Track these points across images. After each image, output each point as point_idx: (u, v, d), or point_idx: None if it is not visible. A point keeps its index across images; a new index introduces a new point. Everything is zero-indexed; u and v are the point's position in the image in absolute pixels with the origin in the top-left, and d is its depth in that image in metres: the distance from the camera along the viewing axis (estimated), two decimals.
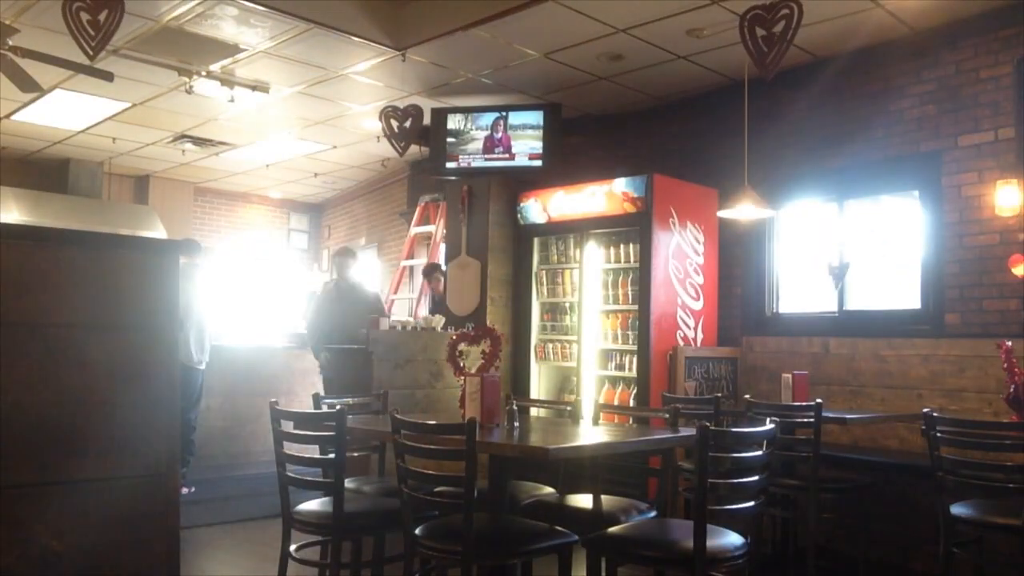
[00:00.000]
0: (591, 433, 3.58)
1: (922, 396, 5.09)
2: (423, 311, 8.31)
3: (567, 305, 6.71)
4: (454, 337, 3.79)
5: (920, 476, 4.18)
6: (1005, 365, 4.05)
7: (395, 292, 8.96)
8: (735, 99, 5.43)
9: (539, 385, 6.81)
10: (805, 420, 4.32)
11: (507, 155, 6.76)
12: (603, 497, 3.61)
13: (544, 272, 6.86)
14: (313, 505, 3.56)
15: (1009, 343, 4.13)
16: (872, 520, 4.63)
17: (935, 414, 3.61)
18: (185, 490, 6.25)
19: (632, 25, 5.34)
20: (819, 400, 4.38)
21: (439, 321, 6.54)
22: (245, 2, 5.15)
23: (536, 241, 6.86)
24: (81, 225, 8.00)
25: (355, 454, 4.28)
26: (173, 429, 1.71)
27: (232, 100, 6.96)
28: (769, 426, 3.00)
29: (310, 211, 12.25)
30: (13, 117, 7.86)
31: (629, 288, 6.16)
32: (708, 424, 2.81)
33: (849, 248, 5.72)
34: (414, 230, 8.81)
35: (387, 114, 6.40)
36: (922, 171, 5.26)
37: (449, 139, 6.89)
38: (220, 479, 5.80)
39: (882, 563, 4.86)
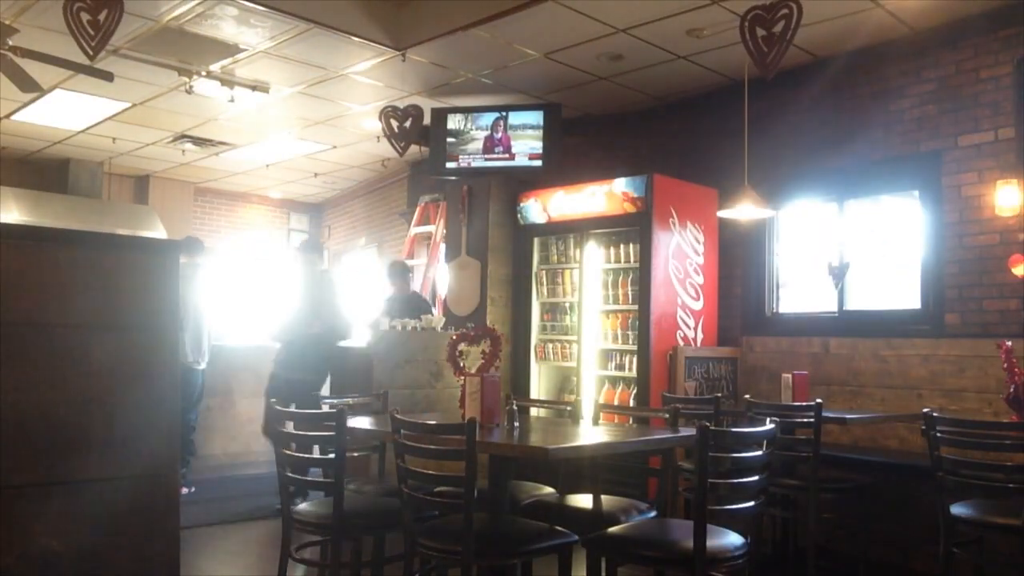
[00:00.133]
0: (591, 433, 3.58)
1: (922, 396, 5.09)
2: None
3: (567, 305, 6.71)
4: (454, 337, 3.79)
5: (920, 476, 4.17)
6: (1005, 365, 4.05)
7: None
8: (735, 99, 5.43)
9: (539, 385, 6.81)
10: (805, 420, 4.33)
11: (507, 155, 6.76)
12: (603, 497, 3.61)
13: (544, 272, 6.86)
14: (313, 505, 3.56)
15: (1009, 343, 4.13)
16: (872, 520, 4.63)
17: (935, 414, 3.61)
18: (185, 490, 6.25)
19: (632, 25, 5.34)
20: (819, 400, 4.38)
21: (439, 321, 6.54)
22: (245, 2, 5.15)
23: (536, 241, 6.86)
24: (81, 225, 7.99)
25: (355, 454, 4.28)
26: (173, 429, 1.72)
27: (232, 100, 6.96)
28: (769, 426, 3.00)
29: (310, 211, 12.25)
30: (13, 117, 7.86)
31: (629, 288, 6.16)
32: (708, 424, 2.81)
33: (849, 248, 5.72)
34: (414, 230, 8.81)
35: (387, 114, 6.40)
36: (922, 171, 5.26)
37: (449, 139, 6.89)
38: (220, 479, 5.80)
39: (882, 563, 4.86)
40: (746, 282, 6.29)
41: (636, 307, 6.03)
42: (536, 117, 6.69)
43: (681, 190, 6.14)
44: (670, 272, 5.99)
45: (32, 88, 5.85)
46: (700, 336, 6.16)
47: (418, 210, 8.77)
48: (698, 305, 6.18)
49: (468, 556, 2.86)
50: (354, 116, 7.61)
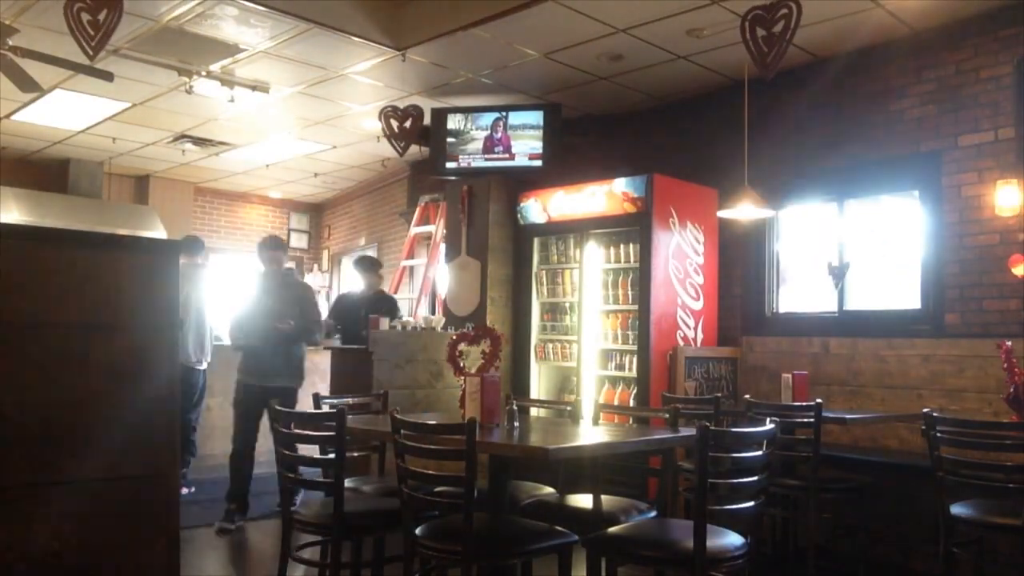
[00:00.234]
0: (591, 433, 3.58)
1: (922, 396, 5.09)
2: (422, 311, 8.32)
3: (567, 305, 6.71)
4: (454, 337, 3.79)
5: (920, 476, 4.17)
6: (1005, 365, 4.05)
7: (395, 292, 8.95)
8: (735, 99, 5.43)
9: (539, 385, 6.81)
10: (805, 420, 4.33)
11: (507, 155, 6.76)
12: (603, 497, 3.61)
13: (544, 272, 6.86)
14: (313, 505, 3.56)
15: (1009, 343, 4.13)
16: (872, 520, 4.63)
17: (935, 414, 3.61)
18: (185, 490, 6.25)
19: (632, 25, 5.34)
20: (819, 400, 4.38)
21: (439, 321, 6.54)
22: (245, 2, 5.15)
23: (536, 241, 6.86)
24: (81, 225, 7.98)
25: (355, 454, 4.28)
26: (173, 429, 1.72)
27: (232, 100, 6.96)
28: (769, 426, 3.00)
29: (310, 211, 12.25)
30: (13, 117, 7.86)
31: (629, 288, 6.16)
32: (708, 424, 2.81)
33: (849, 248, 5.72)
34: (414, 230, 8.81)
35: (387, 114, 6.40)
36: (922, 171, 5.26)
37: (449, 139, 6.89)
38: (220, 479, 5.79)
39: (882, 563, 4.86)
40: (746, 282, 6.29)
41: (636, 307, 6.03)
42: (536, 117, 6.69)
43: (681, 190, 6.14)
44: (670, 272, 5.99)
45: (32, 88, 5.85)
46: (700, 336, 6.16)
47: (418, 210, 8.77)
48: (698, 305, 6.18)
49: (468, 556, 2.86)
50: (354, 116, 7.61)
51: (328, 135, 8.36)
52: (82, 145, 9.02)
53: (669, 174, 6.17)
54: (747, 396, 4.73)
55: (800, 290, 6.12)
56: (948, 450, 3.53)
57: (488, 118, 6.81)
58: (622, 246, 6.26)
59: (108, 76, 5.71)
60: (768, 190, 5.56)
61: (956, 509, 3.52)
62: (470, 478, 2.88)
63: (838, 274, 5.65)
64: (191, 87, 6.70)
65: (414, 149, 6.94)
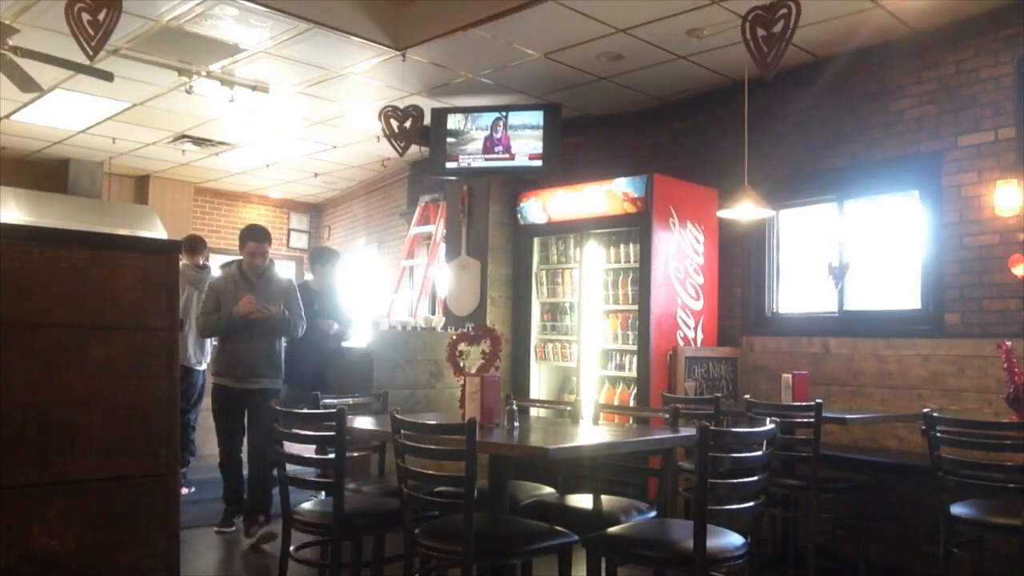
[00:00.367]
0: (591, 433, 3.58)
1: (922, 396, 5.09)
2: (422, 311, 8.32)
3: (567, 305, 6.71)
4: (454, 337, 3.79)
5: (920, 476, 4.17)
6: (1005, 365, 4.06)
7: (395, 292, 8.96)
8: (735, 99, 5.43)
9: (539, 385, 6.81)
10: (805, 420, 4.33)
11: (507, 155, 6.76)
12: (603, 497, 3.61)
13: (544, 272, 6.86)
14: (313, 505, 3.57)
15: (1009, 343, 4.13)
16: (872, 520, 4.64)
17: (935, 414, 3.61)
18: (185, 490, 6.25)
19: (632, 25, 5.34)
20: (819, 400, 4.38)
21: (439, 321, 6.54)
22: (245, 2, 5.15)
23: (536, 241, 6.86)
24: (81, 225, 7.99)
25: (355, 454, 4.28)
26: (173, 429, 1.71)
27: (232, 100, 6.96)
28: (769, 426, 3.00)
29: (310, 211, 12.25)
30: (13, 117, 7.86)
31: (629, 288, 6.16)
32: (708, 424, 2.81)
33: (849, 248, 5.72)
34: (414, 230, 8.81)
35: (387, 114, 6.40)
36: (922, 171, 5.26)
37: (449, 139, 6.89)
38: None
39: (882, 563, 4.86)
40: (746, 282, 6.29)
41: (636, 307, 6.03)
42: (536, 117, 6.69)
43: (681, 190, 6.14)
44: (670, 272, 5.99)
45: (32, 88, 5.85)
46: (700, 336, 6.16)
47: (418, 210, 8.77)
48: (698, 305, 6.18)
49: (468, 556, 2.86)
50: (354, 116, 7.61)
51: (328, 135, 8.36)
52: (82, 145, 9.02)
53: (669, 174, 6.18)
54: (747, 396, 4.73)
55: (800, 290, 6.12)
56: (948, 450, 3.53)
57: (488, 118, 6.81)
58: (622, 246, 6.26)
59: (108, 76, 5.71)
60: (768, 190, 5.56)
61: (956, 509, 3.52)
62: (470, 478, 2.88)
63: (838, 274, 5.65)
64: (191, 87, 6.70)
65: (414, 149, 6.94)
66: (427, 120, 6.69)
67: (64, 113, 7.75)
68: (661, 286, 5.93)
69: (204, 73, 6.52)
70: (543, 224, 6.72)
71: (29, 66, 5.58)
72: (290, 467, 3.54)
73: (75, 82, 6.67)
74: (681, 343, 5.98)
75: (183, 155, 9.35)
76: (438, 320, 6.60)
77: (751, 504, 2.92)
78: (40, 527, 1.54)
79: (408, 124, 6.38)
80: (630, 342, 6.11)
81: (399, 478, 3.08)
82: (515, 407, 3.48)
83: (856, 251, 5.71)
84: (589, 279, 6.45)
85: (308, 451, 3.72)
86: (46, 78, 6.31)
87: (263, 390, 5.22)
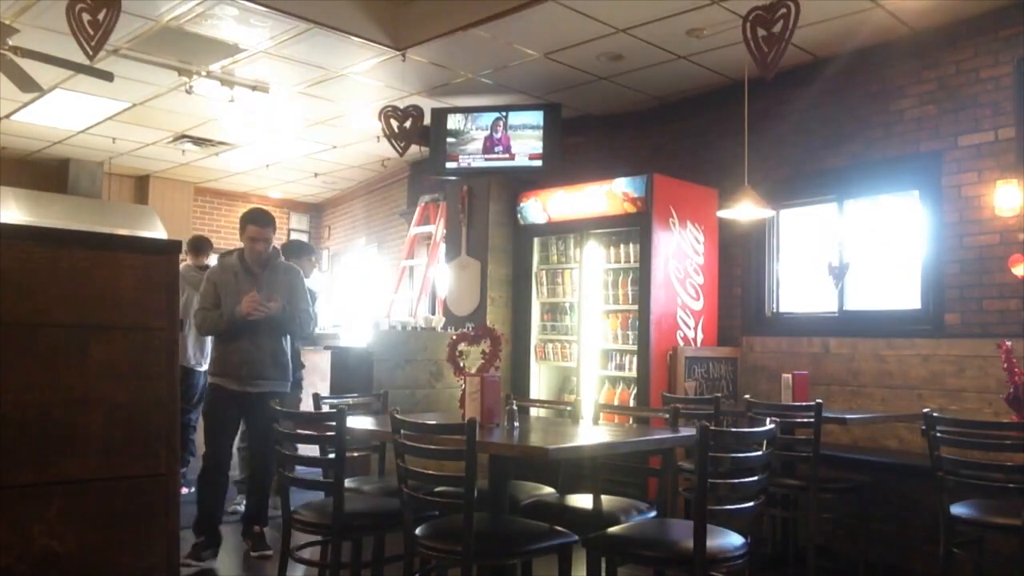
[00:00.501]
0: (591, 433, 3.58)
1: (922, 396, 5.09)
2: (422, 311, 8.32)
3: (567, 305, 6.71)
4: (454, 337, 3.79)
5: (920, 476, 4.17)
6: (1005, 365, 4.06)
7: (395, 292, 8.96)
8: (735, 99, 5.43)
9: (539, 385, 6.81)
10: (805, 420, 4.33)
11: (507, 155, 6.76)
12: (603, 497, 3.61)
13: (544, 272, 6.86)
14: (313, 505, 3.56)
15: (1009, 343, 4.14)
16: (872, 520, 4.64)
17: (935, 414, 3.61)
18: (185, 490, 6.25)
19: (632, 25, 5.34)
20: (819, 400, 4.38)
21: (439, 321, 6.54)
22: (245, 2, 5.15)
23: (536, 241, 6.86)
24: (81, 225, 7.99)
25: (355, 454, 4.28)
26: (173, 429, 1.71)
27: (232, 100, 6.96)
28: (769, 426, 3.00)
29: (310, 211, 12.25)
30: (13, 117, 7.86)
31: (629, 288, 6.16)
32: (708, 424, 2.81)
33: (849, 248, 5.72)
34: (414, 230, 8.81)
35: (387, 114, 6.40)
36: (922, 171, 5.26)
37: (449, 139, 6.89)
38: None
39: (882, 563, 4.86)
40: (746, 282, 6.29)
41: (636, 307, 6.03)
42: (536, 117, 6.69)
43: (681, 190, 6.14)
44: (670, 272, 5.99)
45: (32, 88, 5.85)
46: (700, 336, 6.16)
47: (418, 210, 8.77)
48: (698, 305, 6.18)
49: (468, 556, 2.86)
50: (354, 116, 7.61)
51: (328, 135, 8.36)
52: (82, 145, 9.02)
53: (669, 174, 6.18)
54: (747, 396, 4.73)
55: (800, 290, 6.12)
56: (948, 450, 3.53)
57: (488, 118, 6.81)
58: (622, 246, 6.26)
59: (108, 76, 5.71)
60: (768, 190, 5.56)
61: (956, 509, 3.52)
62: (470, 478, 2.88)
63: (838, 274, 5.65)
64: (191, 87, 6.70)
65: (414, 149, 6.94)
66: (427, 120, 6.69)
67: (64, 113, 7.75)
68: (661, 286, 5.93)
69: (204, 73, 6.52)
70: (543, 224, 6.72)
71: (29, 66, 5.58)
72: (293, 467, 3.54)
73: (75, 82, 6.67)
74: (681, 343, 5.98)
75: (183, 155, 9.35)
76: (438, 320, 6.60)
77: (751, 504, 2.92)
78: (40, 527, 1.54)
79: (408, 124, 6.38)
80: (630, 342, 6.11)
81: (399, 478, 3.08)
82: (515, 407, 3.48)
83: (856, 251, 5.71)
84: (589, 279, 6.45)
85: (311, 451, 3.72)
86: (46, 78, 6.31)
87: (267, 393, 4.69)
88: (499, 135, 6.77)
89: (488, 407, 3.40)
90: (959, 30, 5.12)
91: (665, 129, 6.92)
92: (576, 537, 3.11)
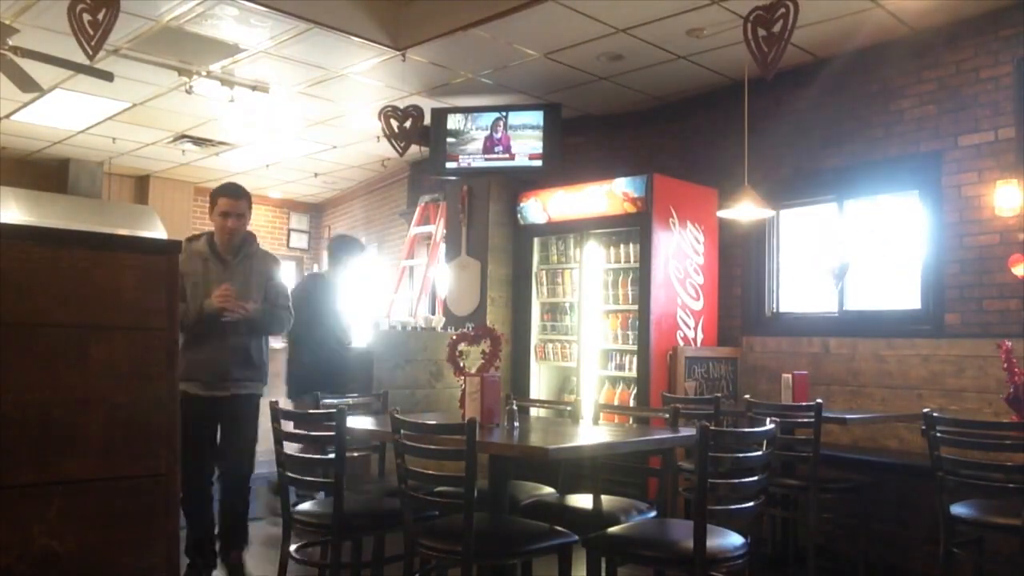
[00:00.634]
0: (591, 433, 3.58)
1: (922, 396, 5.09)
2: (422, 311, 8.32)
3: (567, 305, 6.71)
4: (454, 337, 3.79)
5: (920, 476, 4.17)
6: (1005, 365, 4.06)
7: (395, 292, 8.96)
8: (735, 99, 5.43)
9: (539, 385, 6.81)
10: (805, 420, 4.33)
11: (507, 155, 6.76)
12: (603, 497, 3.61)
13: (544, 272, 6.86)
14: (313, 505, 3.56)
15: (1009, 343, 4.14)
16: (872, 520, 4.63)
17: (935, 414, 3.61)
18: None
19: (632, 25, 5.34)
20: (819, 400, 4.38)
21: (439, 321, 6.54)
22: (245, 2, 5.15)
23: (536, 241, 6.86)
24: (81, 225, 7.98)
25: (355, 454, 4.28)
26: (173, 429, 1.71)
27: (232, 100, 6.96)
28: (769, 426, 3.00)
29: (310, 211, 12.25)
30: (13, 117, 7.86)
31: (629, 288, 6.16)
32: (708, 424, 2.81)
33: (849, 248, 5.71)
34: (414, 230, 8.81)
35: (387, 114, 6.40)
36: (922, 171, 5.26)
37: (449, 139, 6.89)
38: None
39: (882, 563, 4.86)
40: (746, 282, 6.29)
41: (636, 307, 6.03)
42: (536, 117, 6.68)
43: (681, 190, 6.14)
44: (670, 272, 5.99)
45: (32, 88, 5.85)
46: (700, 336, 6.16)
47: (418, 210, 8.77)
48: (698, 305, 6.18)
49: (468, 556, 2.86)
50: (354, 116, 7.61)
51: (328, 135, 8.36)
52: (82, 145, 9.02)
53: (669, 174, 6.18)
54: (747, 396, 4.73)
55: (800, 290, 6.12)
56: (948, 450, 3.53)
57: (488, 118, 6.81)
58: (622, 246, 6.26)
59: (108, 76, 5.71)
60: (768, 190, 5.56)
61: (956, 509, 3.52)
62: (470, 478, 2.88)
63: (838, 274, 5.65)
64: (191, 87, 6.70)
65: (414, 149, 6.94)
66: (427, 120, 6.69)
67: (64, 113, 7.75)
68: (661, 286, 5.93)
69: (204, 73, 6.52)
70: (543, 224, 6.72)
71: (29, 66, 5.58)
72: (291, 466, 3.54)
73: (75, 82, 6.67)
74: (681, 343, 5.98)
75: (183, 155, 9.35)
76: (438, 320, 6.60)
77: (751, 504, 2.92)
78: (40, 527, 1.54)
79: (408, 124, 6.38)
80: (630, 342, 6.11)
81: (399, 478, 3.08)
82: (515, 407, 3.48)
83: (856, 251, 5.71)
84: (589, 279, 6.45)
85: (307, 450, 3.72)
86: (46, 78, 6.31)
87: (241, 397, 4.17)
88: (499, 135, 6.77)
89: (488, 407, 3.40)
90: (959, 30, 5.12)
91: (665, 129, 6.92)
92: (576, 537, 3.11)
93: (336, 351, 5.66)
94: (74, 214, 8.74)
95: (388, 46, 5.82)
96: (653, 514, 3.54)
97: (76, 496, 1.58)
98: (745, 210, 5.19)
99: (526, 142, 6.70)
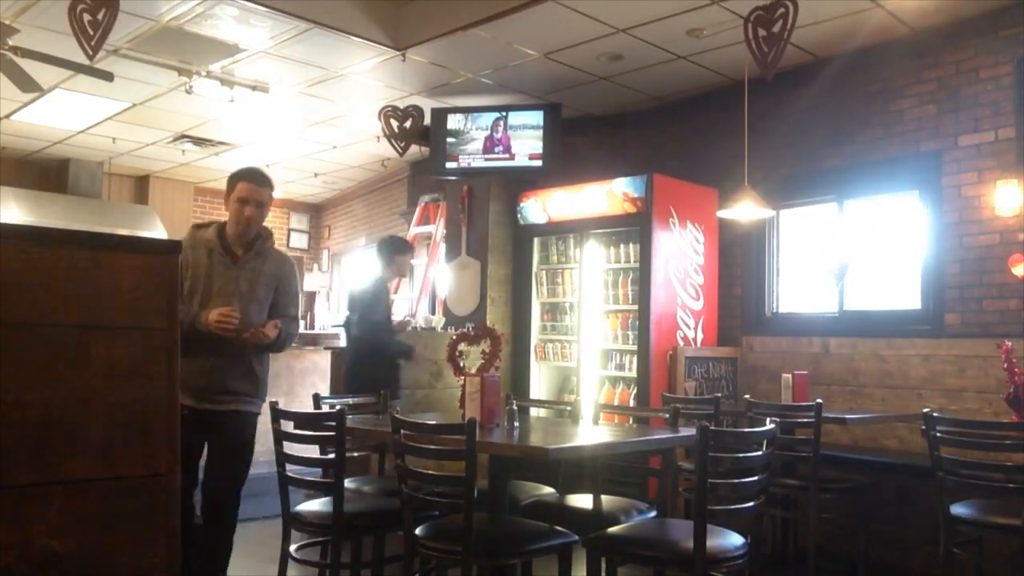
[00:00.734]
0: (591, 433, 3.58)
1: (922, 396, 5.09)
2: (422, 311, 8.31)
3: (567, 305, 6.71)
4: (454, 337, 3.79)
5: (920, 476, 4.17)
6: (1005, 365, 4.06)
7: (395, 292, 8.95)
8: (735, 99, 5.43)
9: (539, 385, 6.81)
10: (805, 420, 4.33)
11: (507, 155, 6.75)
12: (603, 497, 3.61)
13: (544, 272, 6.86)
14: (313, 505, 3.56)
15: (1009, 343, 4.14)
16: (872, 520, 4.63)
17: (935, 414, 3.61)
18: None
19: (632, 25, 5.33)
20: (819, 400, 4.38)
21: (439, 321, 6.54)
22: (245, 2, 5.15)
23: (536, 241, 6.86)
24: (81, 225, 7.99)
25: (355, 454, 4.28)
26: (173, 429, 1.71)
27: (232, 100, 6.96)
28: (769, 426, 3.00)
29: (310, 211, 12.26)
30: (13, 117, 7.86)
31: (629, 288, 6.16)
32: (708, 424, 2.81)
33: (849, 248, 5.71)
34: (414, 230, 8.81)
35: (387, 114, 6.40)
36: (922, 171, 5.26)
37: (449, 139, 6.89)
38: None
39: (882, 563, 4.86)
40: (746, 282, 6.29)
41: (636, 307, 6.03)
42: (536, 117, 6.68)
43: (681, 190, 6.14)
44: (670, 272, 5.99)
45: (32, 88, 5.85)
46: (700, 336, 6.16)
47: (418, 210, 8.77)
48: (698, 305, 6.18)
49: (468, 556, 2.86)
50: (354, 116, 7.61)
51: (328, 135, 8.36)
52: (82, 145, 9.02)
53: (669, 174, 6.18)
54: (747, 396, 4.73)
55: (800, 290, 6.12)
56: (948, 450, 3.53)
57: (488, 118, 6.81)
58: (622, 246, 6.26)
59: (108, 76, 5.71)
60: (768, 190, 5.56)
61: (956, 509, 3.52)
62: (470, 478, 2.88)
63: (838, 274, 5.65)
64: (191, 87, 6.70)
65: (414, 149, 6.94)
66: (427, 120, 6.69)
67: (64, 113, 7.75)
68: (661, 286, 5.93)
69: (204, 73, 6.52)
70: (543, 224, 6.72)
71: (29, 66, 5.58)
72: (291, 466, 3.54)
73: (75, 82, 6.67)
74: (681, 343, 5.98)
75: (183, 155, 9.35)
76: (438, 320, 6.60)
77: (751, 504, 2.92)
78: (40, 527, 1.54)
79: (408, 124, 6.38)
80: (630, 342, 6.11)
81: (399, 478, 3.08)
82: (515, 407, 3.48)
83: (856, 251, 5.71)
84: (589, 279, 6.45)
85: (307, 450, 3.71)
86: (46, 78, 6.31)
87: (235, 413, 3.57)
88: (499, 135, 6.77)
89: (488, 407, 3.40)
90: (959, 30, 5.12)
91: (665, 129, 6.92)
92: (576, 537, 3.11)
93: (394, 352, 5.73)
94: (74, 214, 8.75)
95: (388, 46, 5.82)
96: (653, 514, 3.54)
97: (76, 496, 1.58)
98: (745, 210, 5.19)
99: (526, 142, 6.70)
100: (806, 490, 4.30)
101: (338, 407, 3.49)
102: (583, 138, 7.30)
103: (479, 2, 5.24)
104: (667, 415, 3.81)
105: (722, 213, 5.52)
